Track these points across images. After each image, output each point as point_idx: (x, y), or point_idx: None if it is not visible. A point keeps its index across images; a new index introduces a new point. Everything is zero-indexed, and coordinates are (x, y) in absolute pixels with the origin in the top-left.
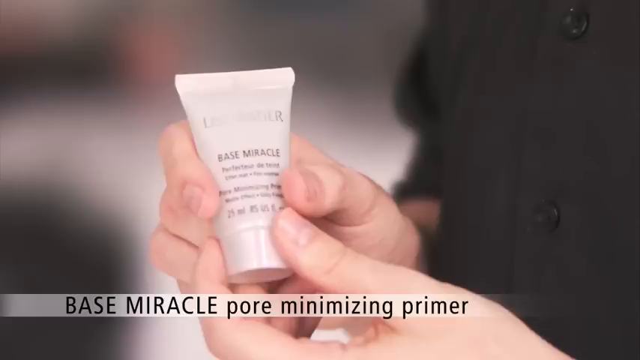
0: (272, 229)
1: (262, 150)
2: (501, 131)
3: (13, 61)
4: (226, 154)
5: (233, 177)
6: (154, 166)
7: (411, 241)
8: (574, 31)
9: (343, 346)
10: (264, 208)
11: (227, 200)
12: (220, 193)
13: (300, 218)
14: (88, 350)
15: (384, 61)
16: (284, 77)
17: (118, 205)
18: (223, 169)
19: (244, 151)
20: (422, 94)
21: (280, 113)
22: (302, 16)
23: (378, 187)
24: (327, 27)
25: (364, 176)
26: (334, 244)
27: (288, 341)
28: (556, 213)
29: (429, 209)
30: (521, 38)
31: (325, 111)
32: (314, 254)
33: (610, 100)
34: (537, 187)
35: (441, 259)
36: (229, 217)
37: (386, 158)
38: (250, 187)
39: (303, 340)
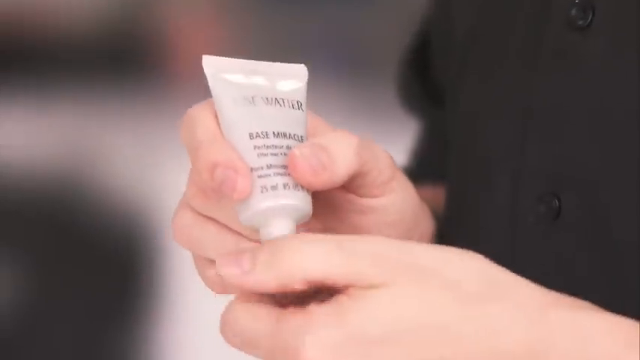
0: (218, 271)
1: (290, 134)
2: (505, 121)
3: (35, 49)
4: (257, 132)
5: (265, 155)
6: (174, 154)
7: (428, 225)
8: (580, 22)
9: (321, 301)
10: (296, 187)
11: (259, 176)
12: (252, 169)
13: (232, 253)
14: (104, 348)
15: (397, 52)
16: (299, 72)
17: (137, 194)
18: (255, 147)
19: (274, 132)
20: (426, 82)
21: (301, 104)
22: (316, 7)
23: (396, 164)
24: (342, 18)
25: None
26: (275, 247)
27: (264, 306)
28: (557, 203)
29: (435, 195)
30: (527, 29)
31: (338, 101)
32: (262, 273)
33: (614, 92)
34: (540, 177)
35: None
36: (262, 192)
37: (398, 148)
38: (282, 166)
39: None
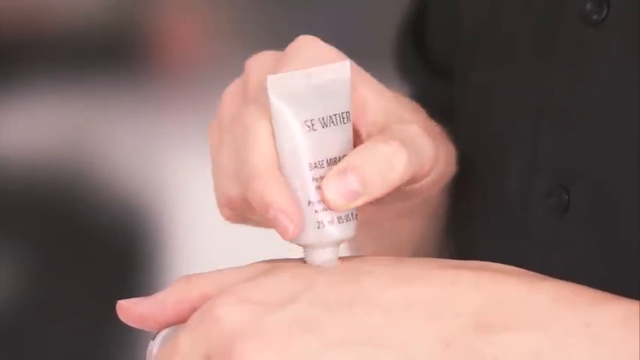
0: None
1: (340, 157)
2: (517, 115)
3: (35, 40)
4: (315, 163)
5: (320, 188)
6: (174, 146)
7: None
8: (594, 17)
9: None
10: (348, 219)
11: (316, 211)
12: (309, 203)
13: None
14: (104, 338)
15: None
16: (344, 72)
17: (137, 185)
18: (313, 179)
19: (328, 160)
20: (422, 53)
21: (349, 114)
22: None
23: (435, 137)
24: (338, 5)
25: (424, 132)
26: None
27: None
28: (566, 197)
29: None
30: (541, 23)
31: None
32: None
33: (626, 87)
34: (551, 170)
35: (454, 238)
36: (319, 227)
37: None
38: None
39: None
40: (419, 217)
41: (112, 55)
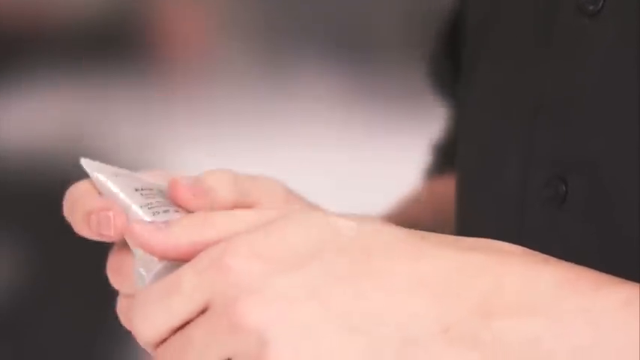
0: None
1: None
2: (515, 106)
3: (35, 33)
4: (141, 187)
5: (150, 196)
6: (172, 136)
7: None
8: (590, 7)
9: None
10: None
11: (149, 207)
12: (141, 206)
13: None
14: (105, 326)
15: (406, 37)
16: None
17: None
18: (141, 194)
19: (158, 189)
20: (455, 63)
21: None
22: None
23: (292, 193)
24: (348, 4)
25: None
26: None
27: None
28: (564, 188)
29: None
30: (539, 15)
31: (346, 86)
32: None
33: (622, 78)
34: (548, 162)
35: (458, 232)
36: (154, 215)
37: (406, 135)
38: (167, 204)
39: None
40: None
41: (113, 48)
